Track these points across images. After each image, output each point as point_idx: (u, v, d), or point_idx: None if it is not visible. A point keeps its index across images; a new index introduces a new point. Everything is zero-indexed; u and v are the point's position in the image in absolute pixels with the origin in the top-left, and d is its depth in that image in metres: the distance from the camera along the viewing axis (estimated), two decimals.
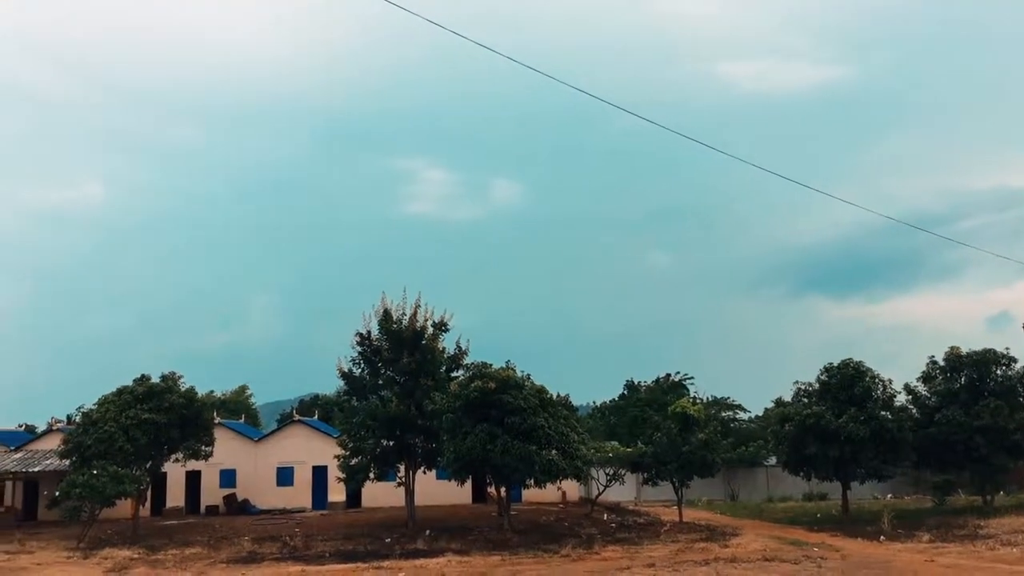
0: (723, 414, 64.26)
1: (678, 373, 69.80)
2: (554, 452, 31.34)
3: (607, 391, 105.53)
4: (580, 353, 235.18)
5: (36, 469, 44.85)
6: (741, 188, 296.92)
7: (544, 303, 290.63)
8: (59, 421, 51.74)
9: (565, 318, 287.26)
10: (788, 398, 38.99)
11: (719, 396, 67.74)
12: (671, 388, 66.82)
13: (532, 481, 31.99)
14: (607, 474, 39.68)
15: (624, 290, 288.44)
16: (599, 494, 40.54)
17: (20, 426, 61.60)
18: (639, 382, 71.28)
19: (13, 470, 45.00)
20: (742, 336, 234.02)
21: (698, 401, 56.31)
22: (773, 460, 47.22)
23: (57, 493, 34.19)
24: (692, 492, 43.79)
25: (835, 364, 36.99)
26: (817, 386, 37.32)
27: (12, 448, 48.12)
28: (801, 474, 37.82)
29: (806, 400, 37.26)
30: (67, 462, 37.08)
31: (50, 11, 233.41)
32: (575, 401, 38.32)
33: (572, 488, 45.21)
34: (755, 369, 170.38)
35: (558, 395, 35.36)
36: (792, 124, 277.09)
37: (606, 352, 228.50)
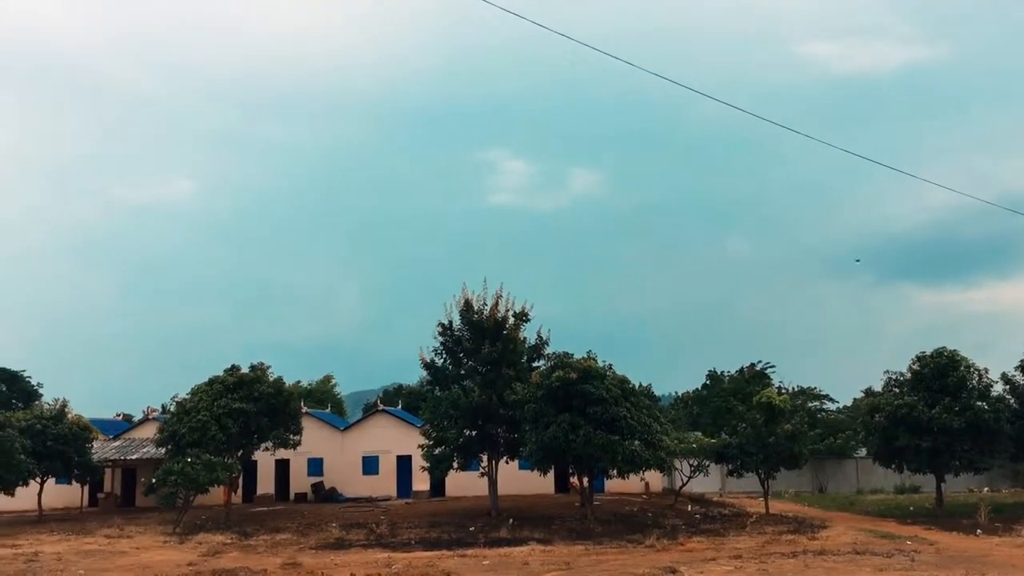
0: (810, 404, 62.90)
1: (761, 363, 68.67)
2: (636, 442, 31.20)
3: (689, 381, 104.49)
4: (661, 343, 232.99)
5: (134, 457, 46.60)
6: (826, 172, 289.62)
7: (625, 293, 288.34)
8: (154, 410, 53.62)
9: (646, 308, 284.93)
10: (878, 388, 38.05)
11: (805, 386, 66.43)
12: (754, 378, 65.71)
13: (615, 471, 31.94)
14: (691, 465, 39.30)
15: (706, 278, 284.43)
16: (683, 485, 40.18)
17: (118, 415, 64.07)
18: (722, 372, 70.33)
19: (112, 458, 46.84)
20: (829, 325, 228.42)
21: (784, 391, 55.26)
22: (863, 452, 46.08)
23: (154, 480, 35.45)
24: (778, 484, 43.08)
25: (928, 353, 35.87)
26: (909, 376, 36.25)
27: (111, 436, 50.10)
28: (892, 466, 36.85)
29: (897, 390, 36.22)
30: (163, 450, 38.43)
31: (136, 9, 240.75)
32: (657, 391, 38.13)
33: (655, 479, 44.89)
34: (843, 358, 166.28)
35: (640, 385, 35.21)
36: (879, 105, 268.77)
37: (688, 342, 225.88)
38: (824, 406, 65.23)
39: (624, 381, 33.00)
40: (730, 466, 37.48)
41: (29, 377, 77.02)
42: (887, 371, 37.54)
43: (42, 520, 39.00)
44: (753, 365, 68.58)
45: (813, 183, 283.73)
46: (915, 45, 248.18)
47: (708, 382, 70.35)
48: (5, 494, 37.94)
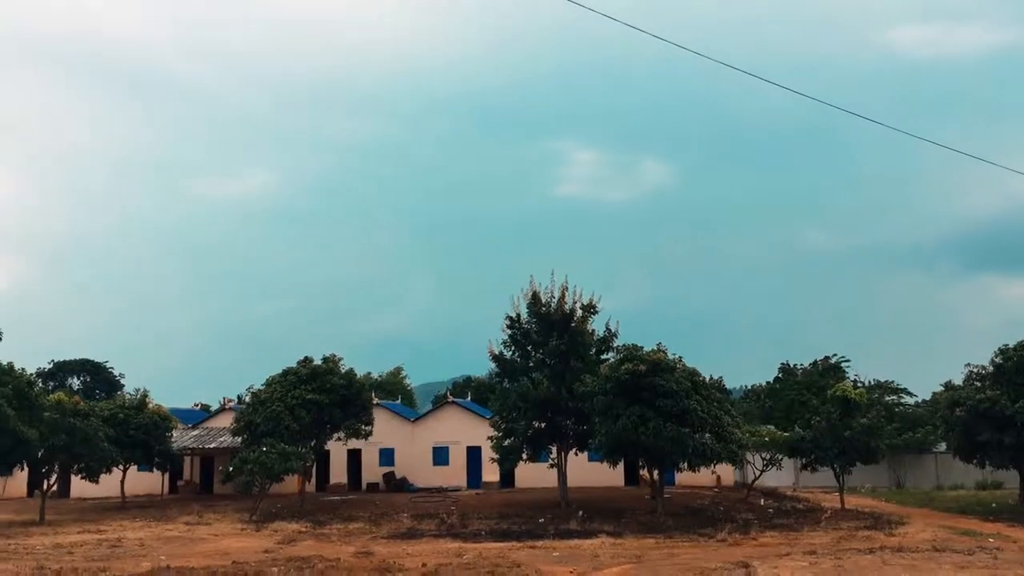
0: (887, 398, 61.53)
1: (835, 356, 67.40)
2: (707, 435, 30.93)
3: (761, 374, 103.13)
4: (733, 336, 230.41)
5: (211, 445, 47.78)
6: (907, 161, 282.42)
7: (695, 285, 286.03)
8: (230, 400, 54.87)
9: (717, 300, 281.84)
10: (959, 381, 36.94)
11: (882, 380, 64.97)
12: (828, 371, 64.57)
13: (685, 464, 31.72)
14: (763, 459, 38.74)
15: (779, 270, 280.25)
16: (755, 479, 39.64)
17: (196, 405, 65.75)
18: (794, 365, 69.25)
19: (191, 446, 48.11)
20: (907, 317, 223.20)
21: (860, 385, 54.10)
22: (943, 447, 44.83)
23: (231, 468, 36.35)
24: (854, 479, 42.21)
25: (1011, 346, 34.70)
26: (991, 369, 35.13)
27: (189, 426, 51.46)
28: (974, 462, 35.83)
29: (979, 384, 35.14)
30: (239, 439, 39.34)
31: (214, 12, 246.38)
32: (728, 384, 37.63)
33: (727, 472, 44.37)
34: (922, 351, 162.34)
35: (711, 378, 34.81)
36: (965, 91, 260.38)
37: (760, 334, 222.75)
38: (902, 400, 63.74)
39: (694, 374, 32.70)
40: (804, 460, 36.85)
41: (112, 368, 79.78)
42: (968, 364, 36.49)
43: (125, 507, 40.26)
44: (827, 358, 67.40)
45: (891, 173, 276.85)
46: (1005, 27, 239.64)
47: (780, 375, 69.38)
48: (90, 481, 39.25)
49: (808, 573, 17.40)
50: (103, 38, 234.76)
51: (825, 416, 35.65)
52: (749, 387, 73.05)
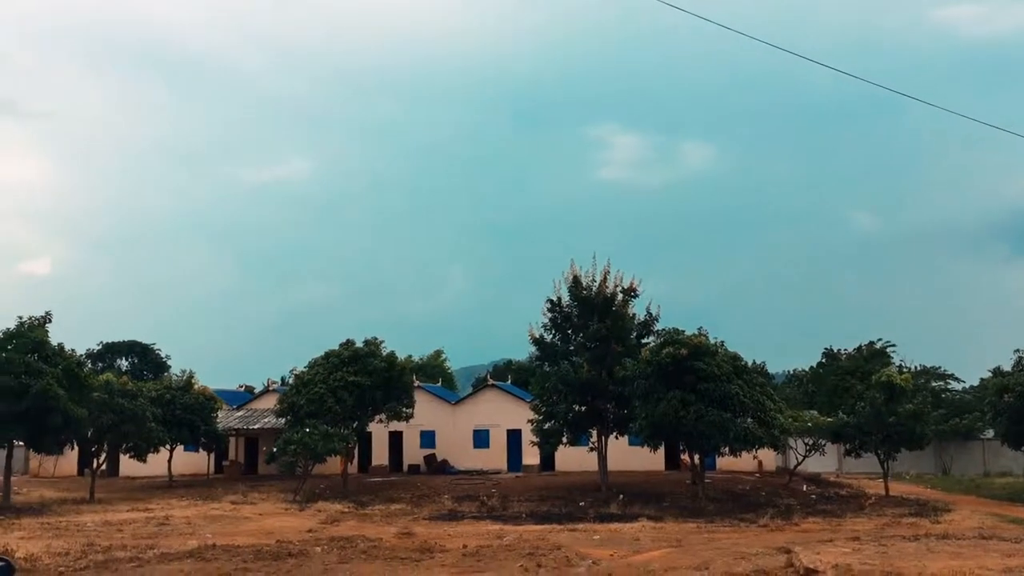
0: (933, 384, 60.65)
1: (880, 341, 66.52)
2: (749, 420, 30.75)
3: (804, 359, 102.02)
4: (775, 320, 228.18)
5: (256, 427, 48.49)
6: (956, 141, 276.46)
7: (737, 268, 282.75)
8: (274, 382, 55.55)
9: (760, 284, 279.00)
10: (1008, 367, 36.28)
11: (929, 365, 64.00)
12: (873, 356, 63.74)
13: (727, 449, 31.56)
14: (806, 444, 38.38)
15: (823, 253, 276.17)
16: (797, 464, 39.30)
17: (240, 387, 66.61)
18: (838, 350, 68.50)
19: (236, 427, 48.86)
20: (955, 302, 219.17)
21: (905, 370, 53.31)
22: (990, 433, 44.10)
23: (275, 449, 36.85)
24: (899, 465, 41.65)
25: None
26: None
27: (234, 407, 52.21)
28: (1023, 448, 35.21)
29: None
30: (283, 420, 39.85)
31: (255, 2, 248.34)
32: (771, 369, 37.32)
33: (768, 457, 44.03)
34: (970, 337, 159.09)
35: (753, 363, 34.54)
36: (1019, 70, 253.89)
37: (803, 319, 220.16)
38: (949, 386, 62.81)
39: (736, 358, 32.48)
40: (847, 446, 36.49)
41: (158, 350, 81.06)
42: (1017, 350, 35.82)
43: (172, 486, 41.05)
44: (872, 343, 66.60)
45: (942, 153, 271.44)
46: None
47: (824, 360, 68.71)
48: (138, 460, 40.05)
49: (851, 559, 17.20)
50: (143, 23, 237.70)
51: (870, 401, 35.23)
52: (792, 372, 72.40)
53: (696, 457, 33.75)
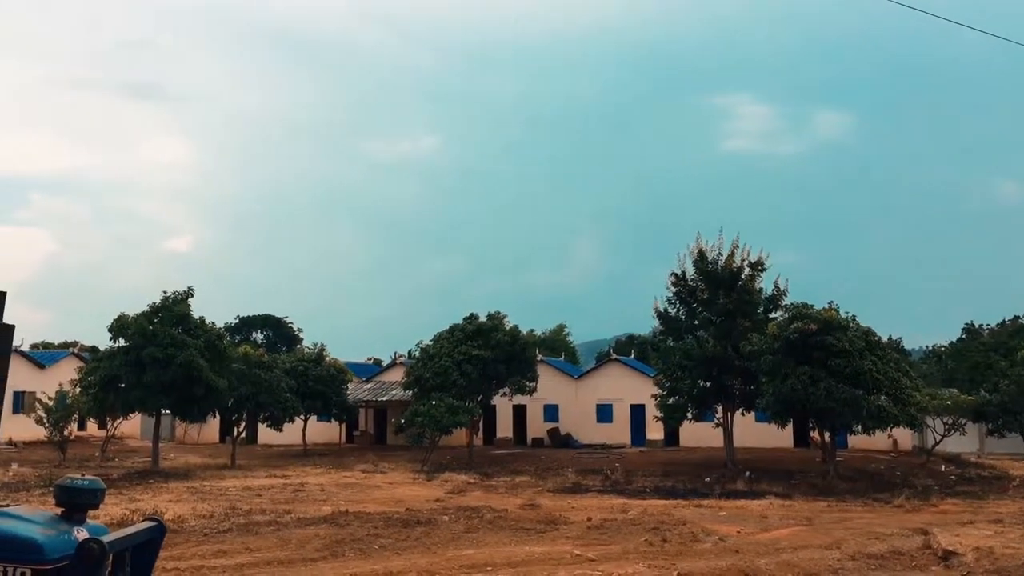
0: None
1: None
2: (883, 397, 29.77)
3: (942, 334, 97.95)
4: (911, 294, 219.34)
5: (384, 398, 49.85)
6: None
7: (871, 240, 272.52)
8: (401, 356, 56.95)
9: (894, 256, 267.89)
10: None
11: None
12: (1017, 332, 60.44)
13: (859, 427, 30.68)
14: (944, 423, 36.82)
15: (963, 225, 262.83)
16: (935, 444, 37.73)
17: (369, 359, 68.72)
18: (980, 325, 65.36)
19: (365, 399, 50.37)
20: None
21: None
22: None
23: (403, 420, 37.82)
24: None
25: None
26: None
27: (363, 379, 53.82)
28: None
29: None
30: (410, 393, 40.84)
31: None
32: (907, 345, 35.91)
33: (904, 436, 42.40)
34: None
35: (889, 338, 33.32)
36: None
37: (941, 293, 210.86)
38: None
39: (869, 333, 31.42)
40: (990, 425, 34.83)
41: (291, 323, 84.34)
42: None
43: (306, 454, 42.67)
44: (1016, 318, 63.19)
45: None
46: None
47: (964, 336, 65.73)
48: (274, 430, 41.82)
49: (993, 542, 16.41)
50: (272, 5, 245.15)
51: (1015, 379, 33.52)
52: (930, 348, 69.59)
53: (826, 435, 32.87)
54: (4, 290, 3.93)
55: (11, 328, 3.94)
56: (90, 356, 46.69)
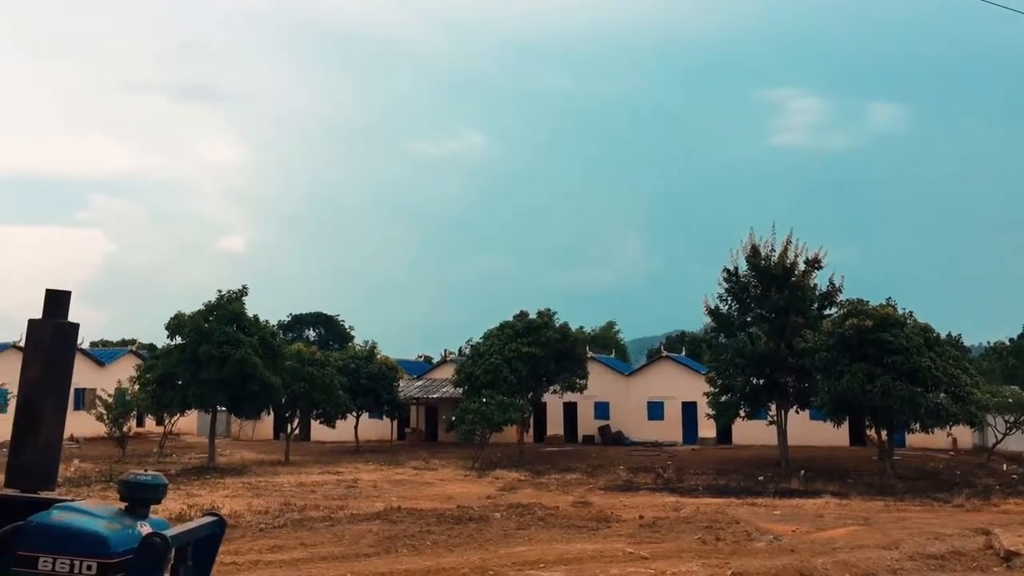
0: None
1: None
2: (942, 395, 29.18)
3: (1003, 329, 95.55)
4: (971, 290, 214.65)
5: (435, 396, 50.10)
6: None
7: (929, 236, 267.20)
8: (451, 353, 57.12)
9: (953, 252, 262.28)
10: None
11: None
12: None
13: (917, 425, 30.11)
14: (1006, 421, 35.94)
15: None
16: (997, 443, 36.85)
17: (419, 357, 69.04)
18: None
19: (416, 396, 50.66)
20: None
21: None
22: None
23: (453, 418, 37.97)
24: None
25: None
26: None
27: (414, 376, 54.11)
28: None
29: None
30: (460, 390, 40.98)
31: None
32: (967, 342, 35.15)
33: (964, 435, 41.45)
34: None
35: (948, 335, 32.64)
36: None
37: (1002, 287, 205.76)
38: None
39: (927, 329, 30.85)
40: None
41: (343, 321, 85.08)
42: None
43: (359, 451, 43.05)
44: None
45: None
46: None
47: None
48: (327, 426, 42.26)
49: None
50: (320, 5, 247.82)
51: None
52: (991, 344, 67.91)
53: (884, 433, 32.29)
54: (68, 290, 4.01)
55: (76, 326, 4.02)
56: (148, 354, 47.67)
